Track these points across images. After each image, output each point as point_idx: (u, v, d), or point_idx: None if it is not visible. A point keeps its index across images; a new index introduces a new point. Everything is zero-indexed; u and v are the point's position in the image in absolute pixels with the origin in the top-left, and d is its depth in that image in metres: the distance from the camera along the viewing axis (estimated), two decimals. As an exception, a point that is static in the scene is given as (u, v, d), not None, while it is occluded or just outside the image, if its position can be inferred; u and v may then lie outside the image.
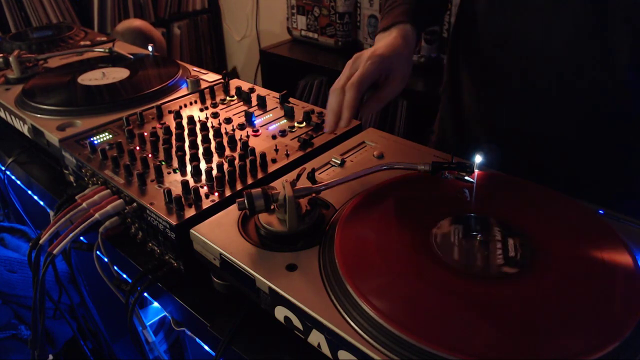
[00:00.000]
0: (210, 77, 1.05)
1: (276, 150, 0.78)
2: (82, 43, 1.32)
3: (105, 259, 0.70)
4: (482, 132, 0.90)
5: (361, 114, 0.71)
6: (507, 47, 0.81)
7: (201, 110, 0.92)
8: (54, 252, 0.67)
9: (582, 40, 0.72)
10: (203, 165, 0.73)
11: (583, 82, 0.74)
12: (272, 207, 0.58)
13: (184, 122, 0.86)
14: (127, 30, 1.83)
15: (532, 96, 0.80)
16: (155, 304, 0.83)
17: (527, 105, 0.81)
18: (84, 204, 0.71)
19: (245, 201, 0.56)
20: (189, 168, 0.73)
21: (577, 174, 0.75)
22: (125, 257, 0.73)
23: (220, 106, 0.93)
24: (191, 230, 0.61)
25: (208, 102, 0.95)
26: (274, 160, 0.75)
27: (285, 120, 0.87)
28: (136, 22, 1.93)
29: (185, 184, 0.67)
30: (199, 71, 1.08)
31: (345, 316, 0.47)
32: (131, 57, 1.15)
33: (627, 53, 0.70)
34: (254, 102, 0.94)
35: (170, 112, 0.91)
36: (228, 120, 0.86)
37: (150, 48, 1.18)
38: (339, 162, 0.73)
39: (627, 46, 0.69)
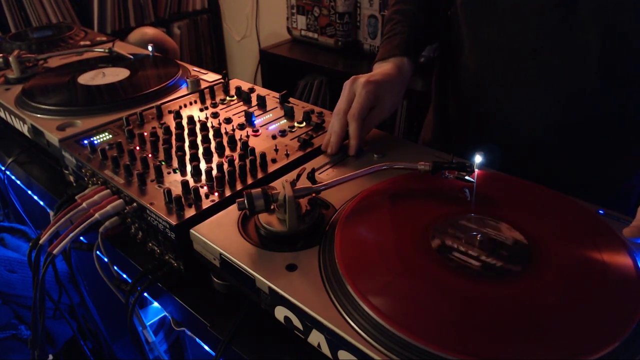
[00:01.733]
0: (210, 77, 1.05)
1: (276, 150, 0.78)
2: (82, 43, 1.32)
3: (105, 259, 0.70)
4: (463, 130, 0.92)
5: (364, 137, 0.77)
6: (481, 53, 0.82)
7: (201, 110, 0.92)
8: (54, 252, 0.67)
9: (548, 43, 0.73)
10: (203, 165, 0.73)
11: (551, 84, 0.75)
12: (272, 207, 0.58)
13: (184, 122, 0.86)
14: (140, 40, 1.81)
15: (503, 93, 0.81)
16: (155, 304, 0.83)
17: (497, 101, 0.82)
18: (84, 204, 0.71)
19: (245, 201, 0.56)
20: (189, 168, 0.73)
21: (561, 178, 0.75)
22: (125, 257, 0.73)
23: (220, 106, 0.93)
24: (191, 230, 0.61)
25: (208, 102, 0.95)
26: (274, 160, 0.75)
27: (285, 120, 0.87)
28: (149, 32, 1.90)
29: (185, 184, 0.67)
30: (198, 71, 1.08)
31: (345, 316, 0.47)
32: (131, 57, 1.15)
33: (596, 56, 0.70)
34: (254, 102, 0.94)
35: (170, 112, 0.91)
36: (228, 120, 0.86)
37: (150, 48, 1.18)
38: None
39: (596, 49, 0.70)
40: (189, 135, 0.82)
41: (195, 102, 0.95)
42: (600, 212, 0.59)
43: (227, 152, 0.77)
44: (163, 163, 0.75)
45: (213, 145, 0.78)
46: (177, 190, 0.68)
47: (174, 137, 0.82)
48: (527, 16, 0.73)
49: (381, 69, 0.81)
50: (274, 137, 0.81)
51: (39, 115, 0.91)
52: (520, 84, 0.78)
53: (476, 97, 0.86)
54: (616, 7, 0.67)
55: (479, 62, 0.83)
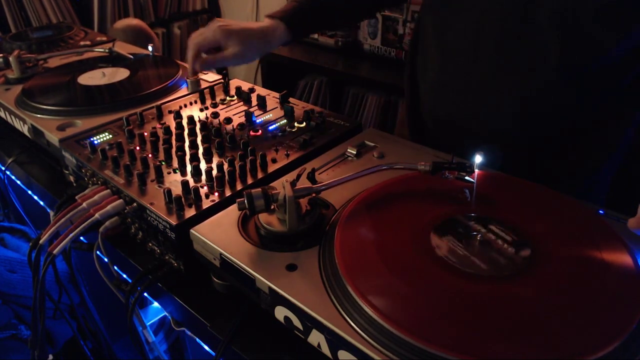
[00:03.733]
0: (210, 77, 1.05)
1: (276, 150, 0.78)
2: (82, 43, 1.32)
3: (105, 259, 0.70)
4: (433, 127, 0.95)
5: (197, 66, 0.90)
6: (445, 51, 0.85)
7: (201, 110, 0.92)
8: (54, 252, 0.67)
9: (509, 42, 0.75)
10: (203, 165, 0.73)
11: (514, 81, 0.77)
12: (272, 207, 0.58)
13: (184, 122, 0.86)
14: (127, 27, 1.84)
15: (469, 90, 0.83)
16: (155, 304, 0.83)
17: (464, 98, 0.84)
18: (84, 204, 0.71)
19: (245, 201, 0.57)
20: (189, 168, 0.73)
21: (527, 171, 0.76)
22: (125, 257, 0.73)
23: (220, 106, 0.93)
24: (191, 230, 0.61)
25: (208, 102, 0.95)
26: (274, 160, 0.75)
27: (285, 120, 0.87)
28: (134, 21, 1.95)
29: (185, 184, 0.67)
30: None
31: (345, 316, 0.47)
32: (131, 57, 1.15)
33: (556, 54, 0.72)
34: (254, 102, 0.94)
35: (170, 112, 0.91)
36: (228, 120, 0.86)
37: (150, 48, 1.18)
38: (354, 152, 0.74)
39: (555, 47, 0.72)
40: (189, 135, 0.82)
41: (196, 102, 0.95)
42: (600, 212, 0.59)
43: (227, 152, 0.77)
44: (163, 163, 0.75)
45: (213, 145, 0.78)
46: (177, 190, 0.68)
47: (174, 137, 0.82)
48: (489, 18, 0.76)
49: (254, 23, 0.89)
50: (274, 137, 0.82)
51: (39, 115, 0.91)
52: (483, 80, 0.80)
53: (444, 94, 0.89)
54: (575, 7, 0.69)
55: (445, 61, 0.86)
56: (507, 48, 0.76)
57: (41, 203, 0.98)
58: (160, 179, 0.71)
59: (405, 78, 1.01)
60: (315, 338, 0.49)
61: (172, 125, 0.85)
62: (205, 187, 0.69)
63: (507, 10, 0.74)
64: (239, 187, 0.69)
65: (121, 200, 0.71)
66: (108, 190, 0.73)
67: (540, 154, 0.83)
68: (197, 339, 0.67)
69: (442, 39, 0.85)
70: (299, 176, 0.65)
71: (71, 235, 0.68)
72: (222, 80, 1.03)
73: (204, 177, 0.70)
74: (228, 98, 0.96)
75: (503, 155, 0.80)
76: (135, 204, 0.68)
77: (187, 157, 0.75)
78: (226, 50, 0.88)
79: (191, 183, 0.69)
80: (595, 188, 0.87)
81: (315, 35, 2.30)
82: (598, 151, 0.83)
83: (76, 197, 0.73)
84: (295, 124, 0.85)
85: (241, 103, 0.95)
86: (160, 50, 2.00)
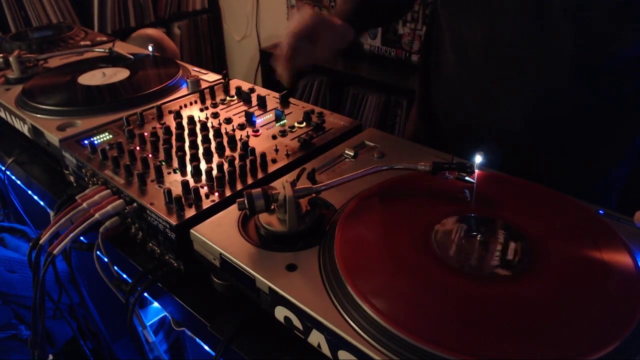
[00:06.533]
0: (210, 77, 1.05)
1: (276, 150, 0.78)
2: (82, 43, 1.32)
3: (105, 259, 0.70)
4: (446, 125, 0.94)
5: (292, 65, 0.81)
6: (460, 49, 0.85)
7: (201, 110, 0.92)
8: (54, 252, 0.67)
9: (522, 42, 0.74)
10: (203, 166, 0.73)
11: (526, 81, 0.77)
12: (272, 207, 0.58)
13: (184, 122, 0.86)
14: (138, 36, 1.87)
15: (481, 89, 0.83)
16: (155, 304, 0.83)
17: (475, 97, 0.84)
18: (84, 204, 0.71)
19: (245, 201, 0.57)
20: (189, 168, 0.73)
21: (538, 172, 0.76)
22: (125, 257, 0.73)
23: (220, 106, 0.93)
24: (191, 231, 0.61)
25: (208, 102, 0.95)
26: (274, 160, 0.75)
27: (285, 121, 0.87)
28: (149, 31, 1.98)
29: (185, 184, 0.67)
30: (199, 71, 1.08)
31: (345, 316, 0.47)
32: (131, 57, 1.15)
33: (568, 55, 0.71)
34: (254, 102, 0.94)
35: (170, 112, 0.91)
36: (228, 121, 0.87)
37: (150, 48, 1.18)
38: (352, 154, 0.74)
39: (568, 48, 0.71)
40: (189, 135, 0.82)
41: (196, 102, 0.95)
42: (600, 212, 0.59)
43: (227, 152, 0.77)
44: (163, 163, 0.75)
45: (213, 145, 0.78)
46: (177, 190, 0.68)
47: (174, 137, 0.82)
48: (502, 15, 0.75)
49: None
50: (274, 137, 0.82)
51: (39, 116, 0.91)
52: (496, 79, 0.80)
53: (457, 91, 0.88)
54: (589, 7, 0.68)
55: (459, 58, 0.85)
56: (519, 47, 0.75)
57: (41, 203, 0.98)
58: (160, 179, 0.72)
59: (417, 74, 1.01)
60: (315, 338, 0.49)
61: (172, 125, 0.85)
62: (205, 187, 0.69)
63: (522, 5, 0.72)
64: (239, 187, 0.69)
65: (121, 200, 0.71)
66: (108, 190, 0.73)
67: (548, 157, 0.82)
68: (197, 339, 0.67)
69: (455, 34, 0.84)
70: (299, 176, 0.65)
71: (71, 235, 0.68)
72: (222, 80, 1.03)
73: (204, 177, 0.70)
74: (228, 98, 0.96)
75: (510, 157, 0.81)
76: (135, 204, 0.68)
77: (187, 157, 0.75)
78: (319, 41, 0.80)
79: (191, 183, 0.69)
80: (612, 189, 0.86)
81: (315, 35, 2.30)
82: (607, 157, 0.82)
83: (76, 197, 0.73)
84: (295, 124, 0.85)
85: (241, 103, 0.95)
86: (178, 56, 2.02)
